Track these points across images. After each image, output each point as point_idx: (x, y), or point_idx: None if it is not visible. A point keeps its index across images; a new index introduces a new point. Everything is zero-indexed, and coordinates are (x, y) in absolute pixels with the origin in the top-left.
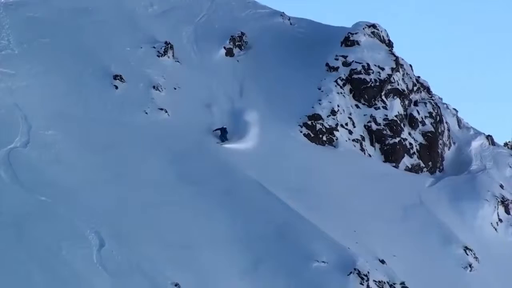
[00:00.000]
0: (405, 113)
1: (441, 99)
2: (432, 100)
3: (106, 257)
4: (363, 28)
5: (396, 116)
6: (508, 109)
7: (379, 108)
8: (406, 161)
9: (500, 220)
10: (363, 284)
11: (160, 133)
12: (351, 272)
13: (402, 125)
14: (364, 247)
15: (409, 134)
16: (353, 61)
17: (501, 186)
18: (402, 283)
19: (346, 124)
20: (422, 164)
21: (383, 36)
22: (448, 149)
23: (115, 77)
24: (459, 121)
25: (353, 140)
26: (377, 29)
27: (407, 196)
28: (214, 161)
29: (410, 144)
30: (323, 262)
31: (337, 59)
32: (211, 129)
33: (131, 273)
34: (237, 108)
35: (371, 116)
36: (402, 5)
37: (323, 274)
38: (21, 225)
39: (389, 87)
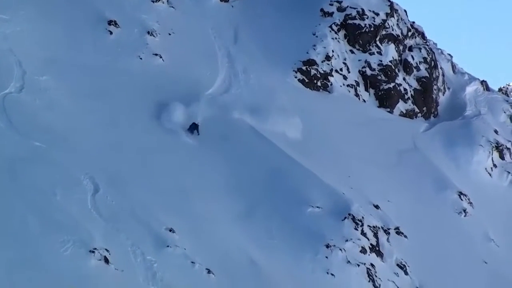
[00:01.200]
0: (399, 58)
1: (436, 44)
2: (427, 45)
3: (101, 203)
4: None
5: (390, 61)
6: (502, 55)
7: (373, 53)
8: (401, 106)
9: (495, 165)
10: (357, 229)
11: (154, 78)
12: (345, 217)
13: (396, 70)
14: (358, 192)
15: (404, 79)
16: (347, 6)
17: (496, 132)
18: (397, 228)
19: (341, 69)
20: (416, 110)
21: None
22: (443, 95)
23: (110, 22)
24: (453, 66)
25: (348, 85)
26: None
27: (402, 142)
28: (210, 106)
29: (405, 89)
30: (317, 207)
31: (331, 5)
32: (205, 75)
33: (125, 218)
34: (232, 54)
35: (366, 61)
36: None
37: (318, 219)
38: (15, 170)
39: (383, 32)
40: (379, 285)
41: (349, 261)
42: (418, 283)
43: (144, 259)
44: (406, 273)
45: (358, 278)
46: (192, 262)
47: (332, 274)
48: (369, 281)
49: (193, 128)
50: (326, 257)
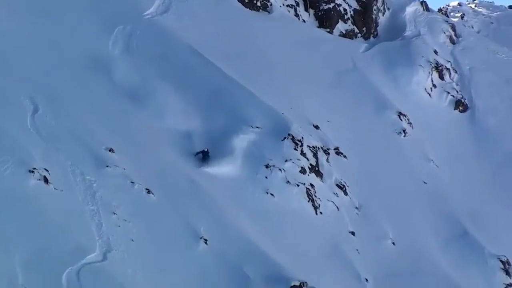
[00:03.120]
0: None
1: None
2: None
3: (40, 122)
4: None
5: None
6: None
7: None
8: (340, 26)
9: (434, 85)
10: (297, 150)
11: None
12: (285, 138)
13: None
14: (298, 112)
15: (343, 0)
16: None
17: (435, 52)
18: (336, 148)
19: None
20: (356, 30)
21: None
22: (383, 15)
23: None
24: None
25: (288, 5)
26: None
27: (341, 62)
28: (149, 26)
29: (345, 9)
30: (257, 127)
31: None
32: None
33: (65, 138)
34: None
35: None
36: None
37: (258, 139)
38: None
39: None
40: (319, 205)
41: (288, 181)
42: (357, 203)
43: (84, 179)
44: (345, 193)
45: (297, 198)
46: (132, 182)
47: (272, 194)
48: (308, 201)
49: (204, 154)
50: (266, 177)
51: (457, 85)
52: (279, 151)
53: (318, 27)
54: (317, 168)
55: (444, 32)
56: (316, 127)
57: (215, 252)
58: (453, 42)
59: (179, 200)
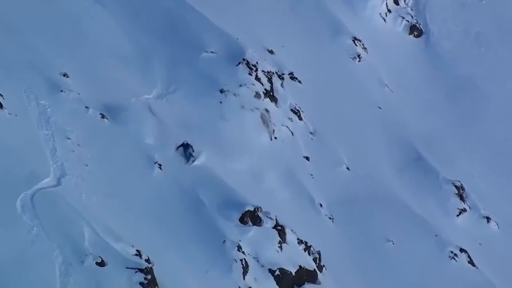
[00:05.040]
0: None
1: None
2: None
3: None
4: None
5: None
6: None
7: None
8: None
9: (389, 10)
10: (251, 74)
11: None
12: (239, 63)
13: None
14: (253, 37)
15: None
16: None
17: None
18: (291, 73)
19: None
20: None
21: None
22: None
23: None
24: None
25: None
26: None
27: None
28: None
29: None
30: (212, 52)
31: None
32: None
33: (18, 63)
34: None
35: None
36: None
37: (212, 64)
38: None
39: None
40: (273, 130)
41: (243, 106)
42: (312, 128)
43: (38, 103)
44: (300, 118)
45: (252, 123)
46: (86, 107)
47: (226, 119)
48: (263, 126)
49: (186, 147)
50: (220, 102)
51: (412, 10)
52: (234, 76)
53: None
54: (271, 93)
55: None
56: (271, 52)
57: (170, 177)
58: None
59: (133, 125)
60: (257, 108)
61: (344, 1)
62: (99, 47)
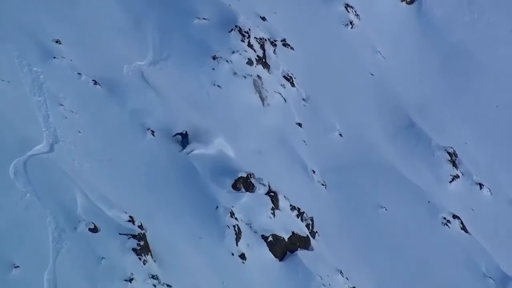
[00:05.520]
0: None
1: None
2: None
3: None
4: None
5: None
6: None
7: None
8: None
9: None
10: (244, 41)
11: None
12: (232, 29)
13: None
14: (245, 4)
15: None
16: None
17: None
18: (283, 40)
19: None
20: None
21: None
22: None
23: None
24: None
25: None
26: None
27: None
28: None
29: None
30: (204, 19)
31: None
32: None
33: (11, 29)
34: None
35: None
36: None
37: (205, 31)
38: None
39: None
40: (266, 96)
41: (235, 73)
42: (304, 94)
43: (31, 70)
44: (292, 85)
45: (244, 90)
46: (79, 74)
47: (219, 86)
48: (255, 93)
49: (184, 136)
50: (213, 68)
51: None
52: (226, 43)
53: None
54: (264, 60)
55: None
56: (263, 18)
57: (163, 143)
58: None
59: (126, 91)
60: (249, 75)
61: None
62: (91, 14)
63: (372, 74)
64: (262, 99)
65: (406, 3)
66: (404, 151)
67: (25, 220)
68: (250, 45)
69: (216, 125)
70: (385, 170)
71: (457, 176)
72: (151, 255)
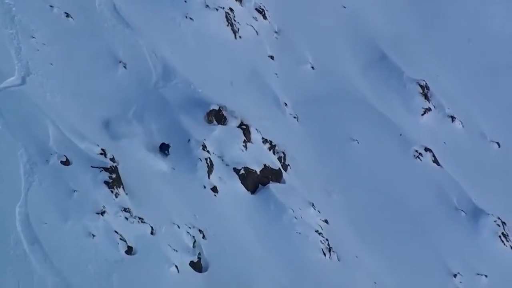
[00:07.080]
0: None
1: None
2: None
3: None
4: None
5: None
6: None
7: None
8: None
9: None
10: None
11: None
12: None
13: None
14: None
15: None
16: None
17: None
18: None
19: None
20: None
21: None
22: None
23: None
24: None
25: None
26: None
27: None
28: None
29: None
30: None
31: None
32: None
33: None
34: None
35: None
36: None
37: None
38: None
39: None
40: (238, 29)
41: (207, 5)
42: (276, 27)
43: (2, 2)
44: (265, 17)
45: (216, 22)
46: (51, 6)
47: (191, 18)
48: (227, 25)
49: (165, 148)
50: (185, 1)
51: None
52: None
53: None
54: None
55: None
56: None
57: (135, 76)
58: None
59: (98, 24)
60: (221, 7)
61: None
62: None
63: (344, 7)
64: (234, 32)
65: None
66: (376, 84)
67: None
68: None
69: (187, 57)
70: (357, 103)
71: (429, 109)
72: (123, 188)
